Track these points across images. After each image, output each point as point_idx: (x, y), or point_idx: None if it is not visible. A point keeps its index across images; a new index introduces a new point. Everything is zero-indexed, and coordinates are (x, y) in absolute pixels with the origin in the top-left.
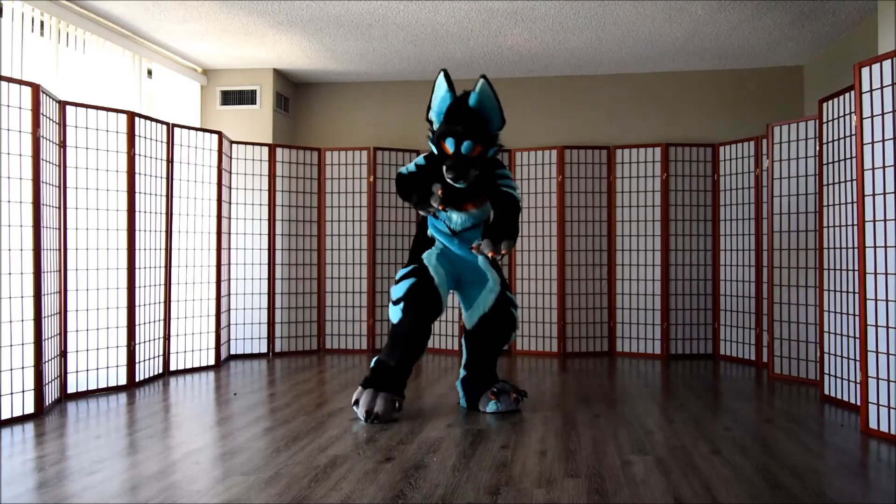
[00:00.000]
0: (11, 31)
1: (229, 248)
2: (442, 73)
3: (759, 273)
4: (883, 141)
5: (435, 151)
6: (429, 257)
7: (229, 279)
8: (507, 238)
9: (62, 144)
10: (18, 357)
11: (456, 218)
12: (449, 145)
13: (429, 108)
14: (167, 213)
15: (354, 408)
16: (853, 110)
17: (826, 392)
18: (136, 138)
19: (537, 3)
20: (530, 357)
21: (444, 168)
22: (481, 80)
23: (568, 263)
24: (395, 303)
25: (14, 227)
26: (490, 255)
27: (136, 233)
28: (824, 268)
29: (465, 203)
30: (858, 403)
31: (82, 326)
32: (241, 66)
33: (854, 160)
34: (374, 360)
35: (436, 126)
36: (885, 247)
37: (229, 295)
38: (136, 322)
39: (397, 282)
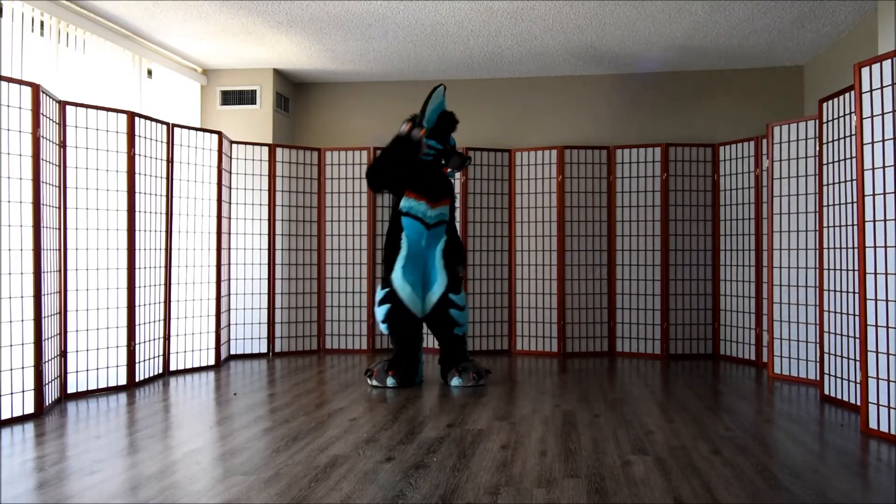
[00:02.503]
0: (11, 31)
1: (229, 248)
2: (443, 88)
3: (759, 273)
4: (883, 141)
5: (435, 145)
6: (395, 277)
7: (229, 279)
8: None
9: (62, 144)
10: (18, 357)
11: (430, 213)
12: (451, 141)
13: (423, 112)
14: (167, 213)
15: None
16: (853, 110)
17: (826, 392)
18: (136, 138)
19: (537, 3)
20: (530, 357)
21: (451, 161)
22: (441, 88)
23: (568, 263)
24: (382, 323)
25: (14, 227)
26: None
27: (136, 233)
28: (824, 268)
29: (438, 200)
30: (858, 403)
31: (82, 326)
32: (241, 66)
33: (854, 160)
34: None
35: (427, 127)
36: (885, 247)
37: (229, 295)
38: (136, 322)
39: (378, 304)
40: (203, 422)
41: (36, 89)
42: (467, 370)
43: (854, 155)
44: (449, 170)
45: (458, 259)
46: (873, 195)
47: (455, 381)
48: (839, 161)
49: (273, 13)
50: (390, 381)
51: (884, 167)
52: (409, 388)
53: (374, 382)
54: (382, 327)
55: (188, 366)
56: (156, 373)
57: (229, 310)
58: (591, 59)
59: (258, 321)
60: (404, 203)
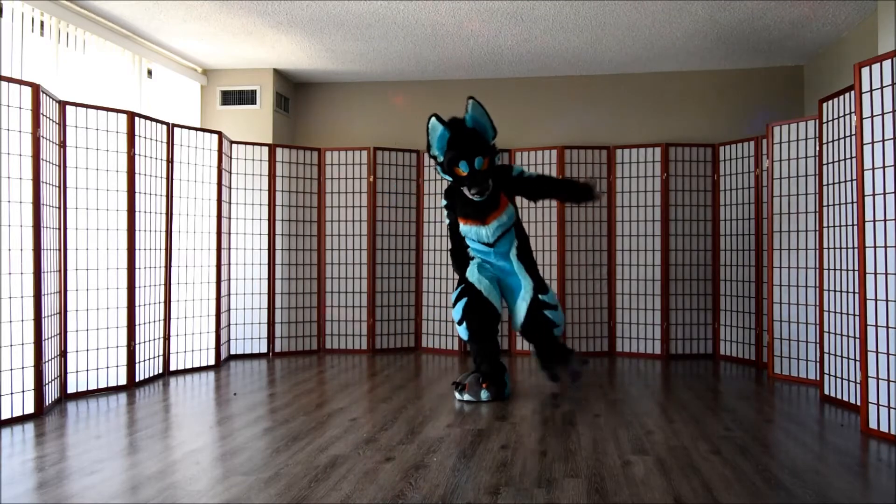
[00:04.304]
0: (11, 31)
1: (229, 248)
2: (434, 117)
3: (759, 273)
4: (883, 141)
5: (449, 179)
6: (471, 273)
7: (229, 279)
8: (581, 192)
9: (62, 144)
10: (18, 357)
11: (485, 232)
12: (462, 168)
13: (428, 146)
14: (167, 213)
15: (456, 392)
16: (853, 110)
17: (826, 392)
18: (136, 138)
19: (537, 3)
20: (530, 357)
21: (467, 189)
22: (471, 101)
23: (568, 263)
24: (458, 323)
25: (14, 227)
26: (596, 195)
27: (136, 233)
28: (824, 268)
29: (487, 217)
30: (858, 403)
31: (82, 326)
32: (241, 66)
33: (854, 160)
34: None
35: (440, 158)
36: (885, 247)
37: (229, 295)
38: (136, 322)
39: (453, 305)
40: (203, 422)
41: (36, 89)
42: (558, 375)
43: (854, 155)
44: (473, 197)
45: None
46: (873, 195)
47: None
48: (839, 161)
49: (273, 13)
50: (484, 395)
51: (884, 167)
52: (498, 403)
53: (468, 397)
54: (461, 330)
55: (188, 366)
56: (156, 373)
57: (229, 310)
58: (592, 59)
59: (258, 321)
60: (462, 228)
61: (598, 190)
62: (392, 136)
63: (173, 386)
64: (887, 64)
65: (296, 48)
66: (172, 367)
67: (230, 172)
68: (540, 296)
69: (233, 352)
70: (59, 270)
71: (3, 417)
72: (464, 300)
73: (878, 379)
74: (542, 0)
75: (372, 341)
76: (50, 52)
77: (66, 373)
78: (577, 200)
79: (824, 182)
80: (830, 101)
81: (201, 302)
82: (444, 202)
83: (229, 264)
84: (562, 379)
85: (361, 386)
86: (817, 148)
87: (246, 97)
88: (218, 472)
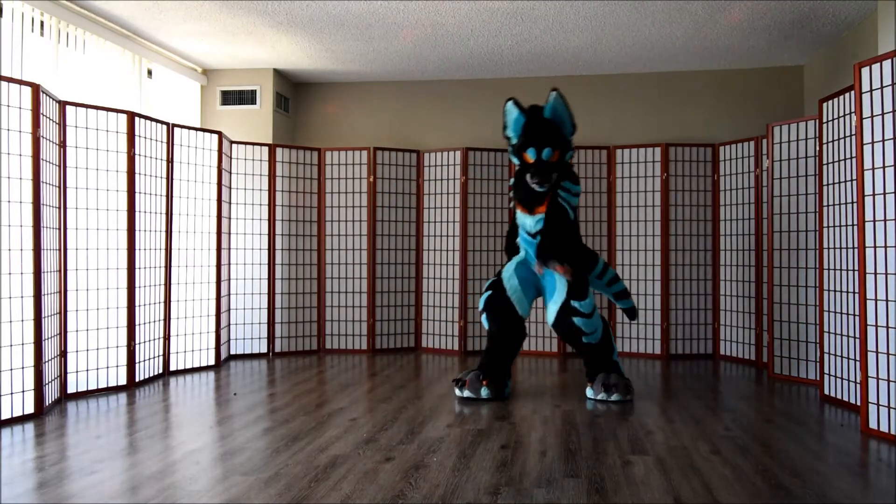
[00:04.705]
0: (11, 31)
1: (229, 248)
2: (511, 101)
3: (759, 273)
4: (883, 141)
5: (517, 162)
6: (506, 269)
7: (229, 279)
8: (555, 258)
9: (62, 144)
10: (18, 357)
11: (530, 221)
12: (530, 154)
13: (504, 127)
14: (167, 213)
15: (456, 388)
16: (853, 110)
17: (826, 392)
18: (136, 138)
19: (537, 3)
20: (530, 357)
21: (529, 176)
22: (554, 94)
23: None
24: (481, 313)
25: (14, 227)
26: (558, 269)
27: (136, 233)
28: (824, 268)
29: (534, 208)
30: (858, 403)
31: (82, 326)
32: (241, 66)
33: (854, 160)
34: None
35: (514, 140)
36: (885, 247)
37: (229, 295)
38: (136, 322)
39: (482, 293)
40: (203, 422)
41: (36, 89)
42: (598, 382)
43: (854, 155)
44: (534, 186)
45: (560, 255)
46: (873, 195)
47: (588, 393)
48: (839, 161)
49: (273, 13)
50: (484, 392)
51: (884, 167)
52: (498, 402)
53: (467, 394)
54: (483, 319)
55: (188, 366)
56: (156, 373)
57: (229, 310)
58: (592, 59)
59: (258, 321)
60: (516, 212)
61: (576, 275)
62: (392, 136)
63: (173, 386)
64: (887, 64)
65: (296, 48)
66: (172, 367)
67: (230, 172)
68: (572, 301)
69: (233, 352)
70: (59, 270)
71: (3, 417)
72: (488, 293)
73: (878, 379)
74: (542, 0)
75: (372, 341)
76: (50, 52)
77: (66, 373)
78: (551, 254)
79: (824, 182)
80: (830, 101)
81: (201, 302)
82: (512, 180)
83: (229, 264)
84: (603, 391)
85: (361, 386)
86: (817, 148)
87: (246, 97)
88: (218, 472)
